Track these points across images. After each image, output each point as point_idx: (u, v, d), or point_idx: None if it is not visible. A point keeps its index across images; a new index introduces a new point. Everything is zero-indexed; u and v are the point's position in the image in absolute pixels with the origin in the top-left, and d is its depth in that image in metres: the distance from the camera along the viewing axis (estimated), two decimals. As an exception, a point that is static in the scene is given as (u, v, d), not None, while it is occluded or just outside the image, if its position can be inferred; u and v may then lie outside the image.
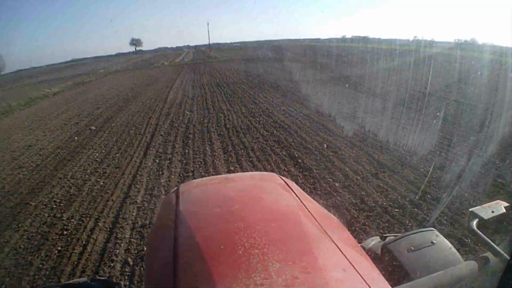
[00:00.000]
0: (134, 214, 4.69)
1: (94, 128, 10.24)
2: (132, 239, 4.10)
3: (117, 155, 7.49)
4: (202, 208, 1.68)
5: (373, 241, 1.98)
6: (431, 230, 1.70)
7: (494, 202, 1.39)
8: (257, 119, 9.59)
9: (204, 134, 8.43)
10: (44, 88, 24.08)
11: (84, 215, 4.80)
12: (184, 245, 1.34)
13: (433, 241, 1.63)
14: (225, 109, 11.30)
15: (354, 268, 1.20)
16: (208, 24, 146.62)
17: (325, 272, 1.15)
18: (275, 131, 8.18)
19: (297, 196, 1.71)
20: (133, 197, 5.19)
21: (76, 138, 9.26)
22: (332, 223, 1.59)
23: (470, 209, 1.36)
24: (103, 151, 7.86)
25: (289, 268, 1.13)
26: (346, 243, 1.37)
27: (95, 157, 7.44)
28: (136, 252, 3.86)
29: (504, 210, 1.36)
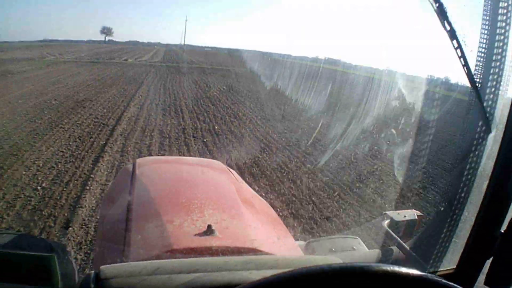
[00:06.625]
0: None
1: None
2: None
3: None
4: (155, 179, 1.90)
5: (300, 244, 1.99)
6: (355, 238, 1.80)
7: (409, 210, 1.57)
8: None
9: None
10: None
11: None
12: (137, 204, 1.52)
13: (354, 247, 1.69)
14: None
15: (272, 226, 1.54)
16: (186, 21, 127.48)
17: (247, 220, 1.43)
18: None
19: (236, 179, 2.00)
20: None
21: None
22: (262, 203, 1.91)
23: (384, 212, 1.58)
24: None
25: (219, 214, 1.43)
26: (270, 216, 1.74)
27: None
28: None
29: (416, 218, 1.52)
